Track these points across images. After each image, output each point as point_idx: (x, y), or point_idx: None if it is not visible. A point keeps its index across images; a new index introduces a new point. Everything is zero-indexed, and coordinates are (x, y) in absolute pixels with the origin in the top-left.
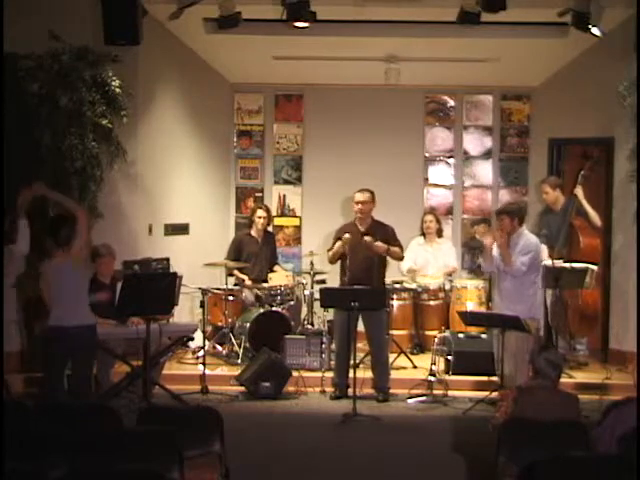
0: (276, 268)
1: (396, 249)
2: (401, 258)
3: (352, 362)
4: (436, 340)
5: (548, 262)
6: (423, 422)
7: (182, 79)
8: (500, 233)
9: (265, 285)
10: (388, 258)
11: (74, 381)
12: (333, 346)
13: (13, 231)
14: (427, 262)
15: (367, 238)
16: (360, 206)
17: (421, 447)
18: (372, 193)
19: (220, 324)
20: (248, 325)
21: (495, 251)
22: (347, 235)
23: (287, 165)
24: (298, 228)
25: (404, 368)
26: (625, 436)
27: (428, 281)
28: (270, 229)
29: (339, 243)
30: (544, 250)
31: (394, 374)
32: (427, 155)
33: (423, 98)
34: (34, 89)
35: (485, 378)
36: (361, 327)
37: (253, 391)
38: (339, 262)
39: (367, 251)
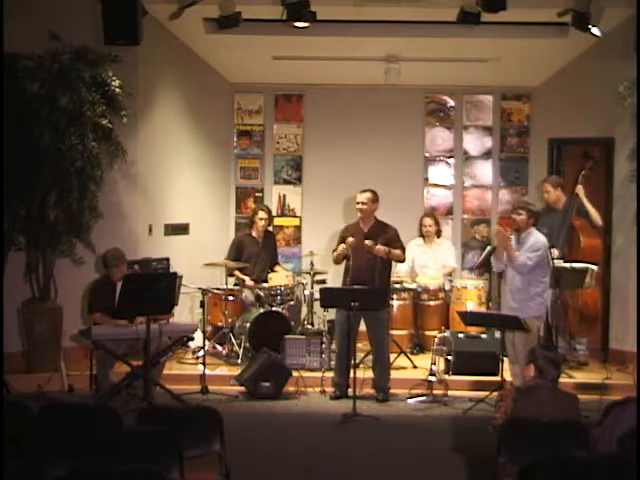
0: (277, 268)
1: (397, 252)
2: (402, 260)
3: (352, 362)
4: (436, 340)
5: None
6: (423, 422)
7: (182, 79)
8: (502, 229)
9: (265, 285)
10: None
11: None
12: (333, 346)
13: None
14: (425, 264)
15: (368, 242)
16: (360, 206)
17: (421, 447)
18: (374, 193)
19: (220, 324)
20: (248, 325)
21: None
22: (351, 239)
23: (287, 165)
24: (298, 228)
25: (404, 368)
26: (625, 436)
27: (428, 281)
28: (270, 229)
29: (343, 246)
30: (554, 251)
31: (394, 374)
32: (427, 155)
33: (423, 98)
34: (34, 89)
35: (485, 378)
36: (363, 327)
37: (253, 391)
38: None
39: (369, 252)
